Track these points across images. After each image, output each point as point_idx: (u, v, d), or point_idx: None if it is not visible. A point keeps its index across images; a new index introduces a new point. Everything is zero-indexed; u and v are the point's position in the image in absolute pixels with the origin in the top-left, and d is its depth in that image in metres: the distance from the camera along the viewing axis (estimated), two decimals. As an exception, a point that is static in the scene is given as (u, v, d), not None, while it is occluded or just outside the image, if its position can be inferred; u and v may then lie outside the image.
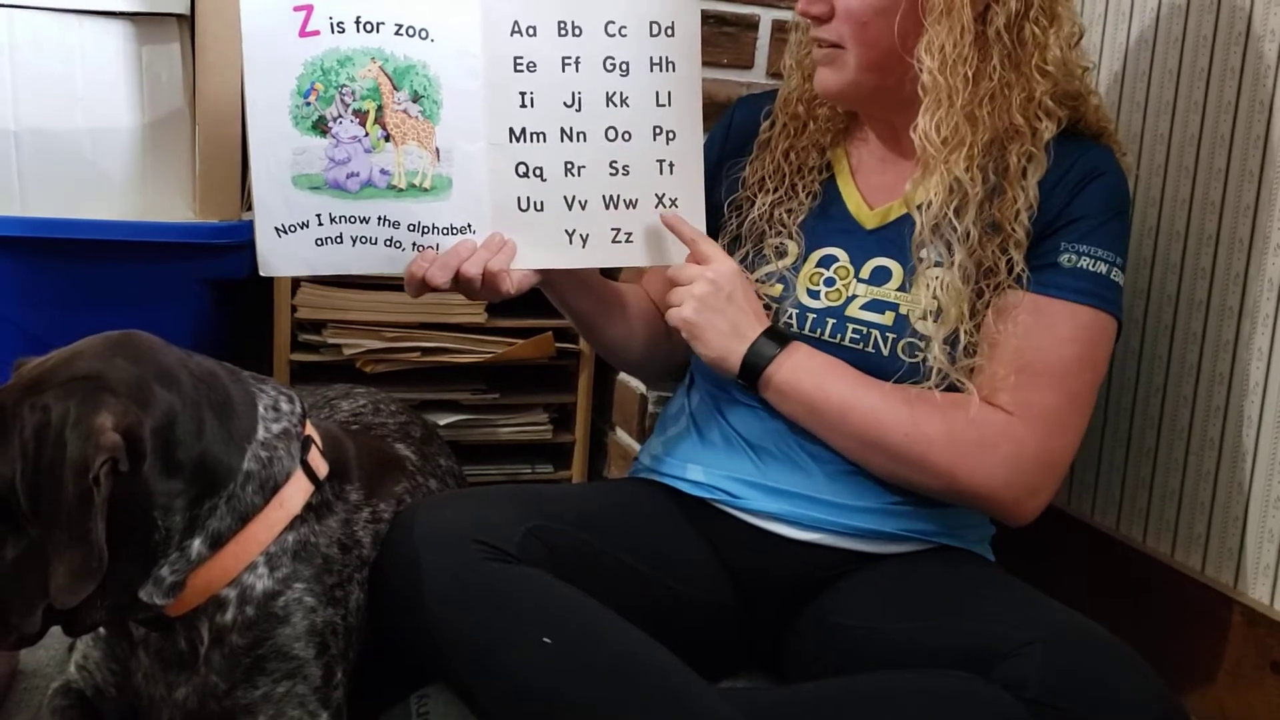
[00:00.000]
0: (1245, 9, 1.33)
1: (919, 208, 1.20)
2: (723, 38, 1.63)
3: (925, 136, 1.17)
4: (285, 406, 1.14)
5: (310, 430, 1.16)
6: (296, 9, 1.21)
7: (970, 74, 1.17)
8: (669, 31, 1.28)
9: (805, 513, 1.25)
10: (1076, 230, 1.21)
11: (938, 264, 1.23)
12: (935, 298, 1.21)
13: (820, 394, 1.22)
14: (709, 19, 1.62)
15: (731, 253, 1.34)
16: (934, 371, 1.20)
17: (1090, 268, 1.20)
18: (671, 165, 1.29)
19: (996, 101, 1.19)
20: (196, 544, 1.04)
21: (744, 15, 1.65)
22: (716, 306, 1.23)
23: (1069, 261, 1.21)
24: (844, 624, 1.21)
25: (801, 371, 1.23)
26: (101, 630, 1.13)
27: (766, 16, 1.64)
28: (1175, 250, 1.43)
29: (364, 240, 1.25)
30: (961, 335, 1.20)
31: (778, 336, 1.24)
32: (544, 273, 1.31)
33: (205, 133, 1.63)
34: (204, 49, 1.63)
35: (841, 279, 1.28)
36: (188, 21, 1.66)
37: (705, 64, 1.60)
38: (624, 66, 1.27)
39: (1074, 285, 1.20)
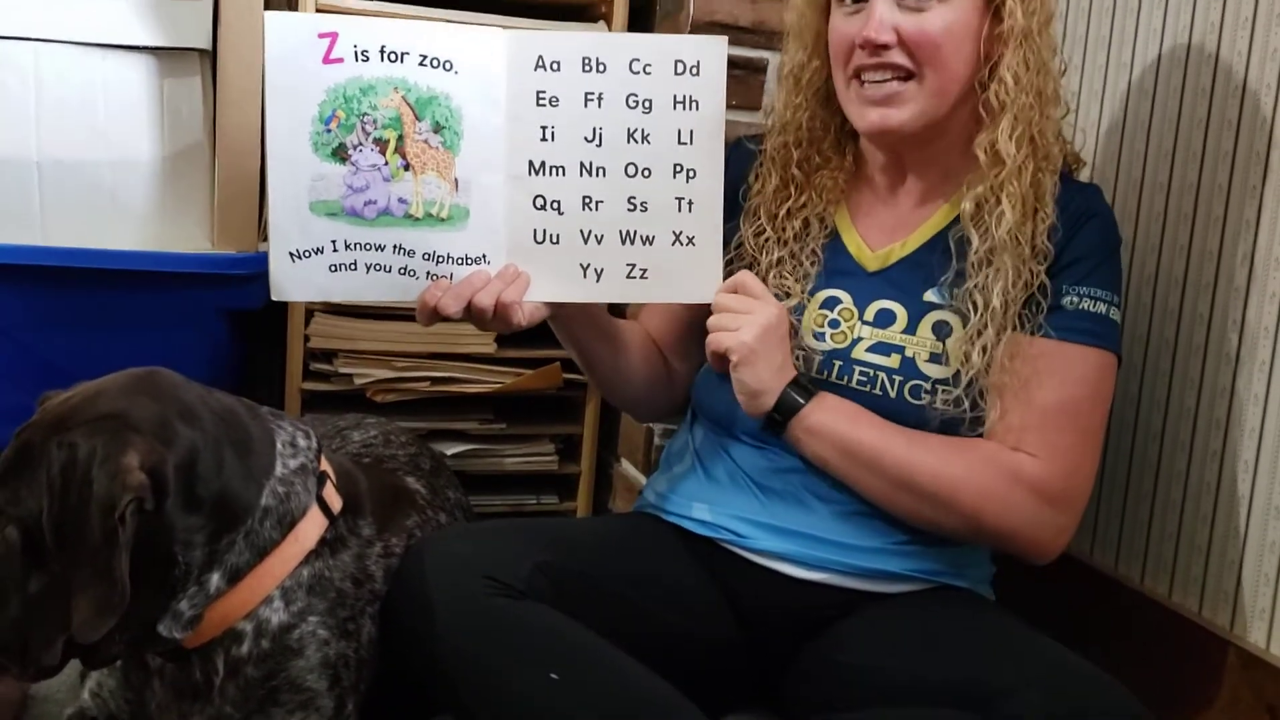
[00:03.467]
0: (1242, 62, 1.36)
1: (975, 226, 1.24)
2: (731, 80, 1.63)
3: (985, 153, 1.22)
4: (302, 442, 1.16)
5: (325, 465, 1.18)
6: (321, 36, 1.22)
7: (1036, 100, 1.22)
8: (694, 71, 1.29)
9: (810, 552, 1.27)
10: (1075, 272, 1.26)
11: (939, 306, 1.26)
12: (940, 341, 1.25)
13: (853, 436, 1.24)
14: (719, 61, 1.65)
15: None
16: (942, 414, 1.24)
17: (1091, 308, 1.24)
18: (691, 203, 1.30)
19: (1048, 124, 1.25)
20: (215, 578, 1.06)
21: (752, 59, 1.68)
22: (772, 340, 1.25)
23: (1071, 304, 1.25)
24: (846, 661, 1.22)
25: (837, 413, 1.25)
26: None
27: (774, 60, 1.67)
28: (1174, 296, 1.45)
29: (378, 268, 1.26)
30: (973, 375, 1.23)
31: (805, 383, 1.27)
32: (555, 305, 1.32)
33: (224, 165, 1.66)
34: (225, 84, 1.65)
35: (846, 320, 1.31)
36: (209, 56, 1.68)
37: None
38: (647, 104, 1.29)
39: (1078, 326, 1.24)
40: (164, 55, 1.67)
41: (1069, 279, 1.25)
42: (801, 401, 1.25)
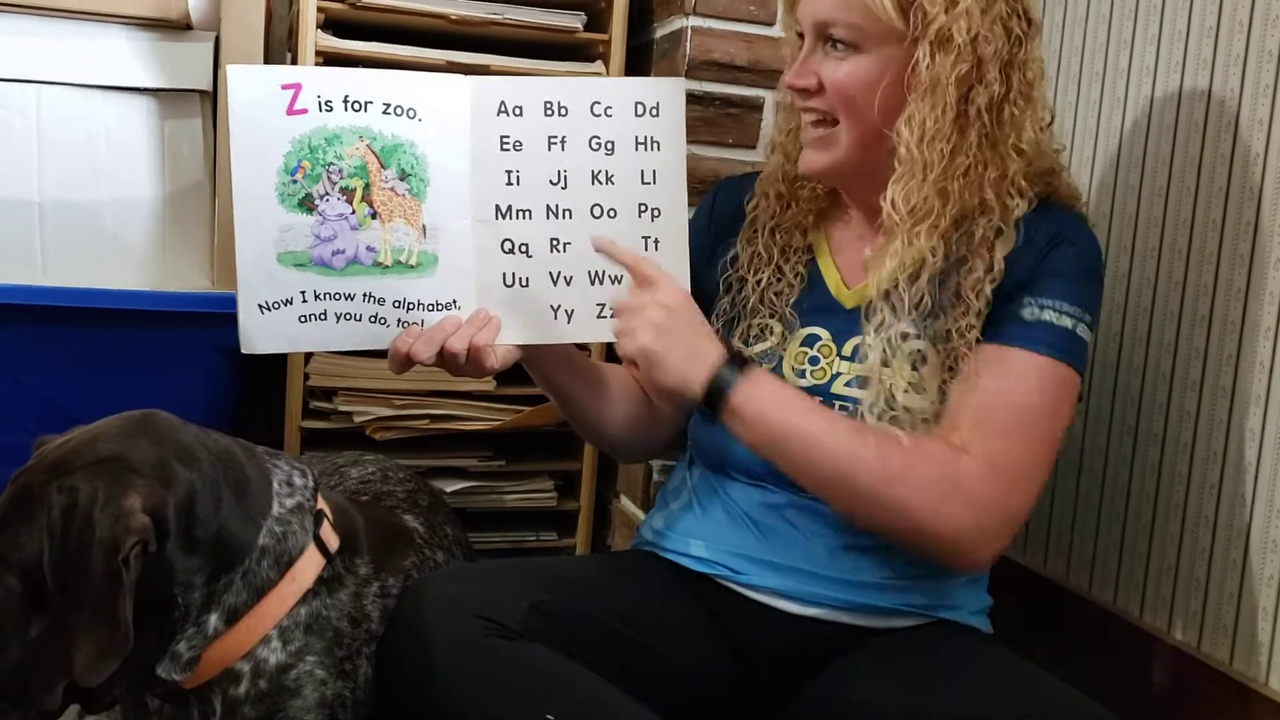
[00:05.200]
0: (1234, 98, 1.37)
1: (899, 275, 1.23)
2: (728, 119, 1.68)
3: (893, 206, 1.20)
4: (298, 481, 1.17)
5: (322, 504, 1.18)
6: (285, 87, 1.23)
7: (947, 150, 1.20)
8: (654, 112, 1.30)
9: (806, 588, 1.27)
10: (1040, 287, 1.23)
11: (913, 337, 1.25)
12: (886, 365, 1.23)
13: (786, 424, 1.20)
14: (716, 100, 1.67)
15: (729, 333, 1.36)
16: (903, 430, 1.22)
17: (1055, 321, 1.21)
18: (656, 241, 1.31)
19: (970, 178, 1.21)
20: (213, 619, 1.06)
21: (749, 97, 1.69)
22: (673, 331, 1.22)
23: (1030, 315, 1.22)
24: (845, 698, 1.22)
25: (767, 399, 1.21)
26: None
27: (771, 99, 1.69)
28: (1169, 330, 1.46)
29: (348, 317, 1.27)
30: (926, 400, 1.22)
31: (740, 361, 1.24)
32: (528, 348, 1.33)
33: (224, 205, 1.67)
34: (225, 124, 1.66)
35: (825, 357, 1.31)
36: (210, 98, 1.70)
37: (713, 143, 1.67)
38: (609, 145, 1.29)
39: (1034, 336, 1.21)
40: (165, 97, 1.69)
41: (1031, 292, 1.22)
42: (728, 385, 1.21)
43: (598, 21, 1.83)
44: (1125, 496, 1.52)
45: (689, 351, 1.22)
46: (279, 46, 1.92)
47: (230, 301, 1.64)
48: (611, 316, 1.30)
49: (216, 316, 1.66)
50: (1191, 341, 1.43)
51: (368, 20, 1.75)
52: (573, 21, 1.80)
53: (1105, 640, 1.51)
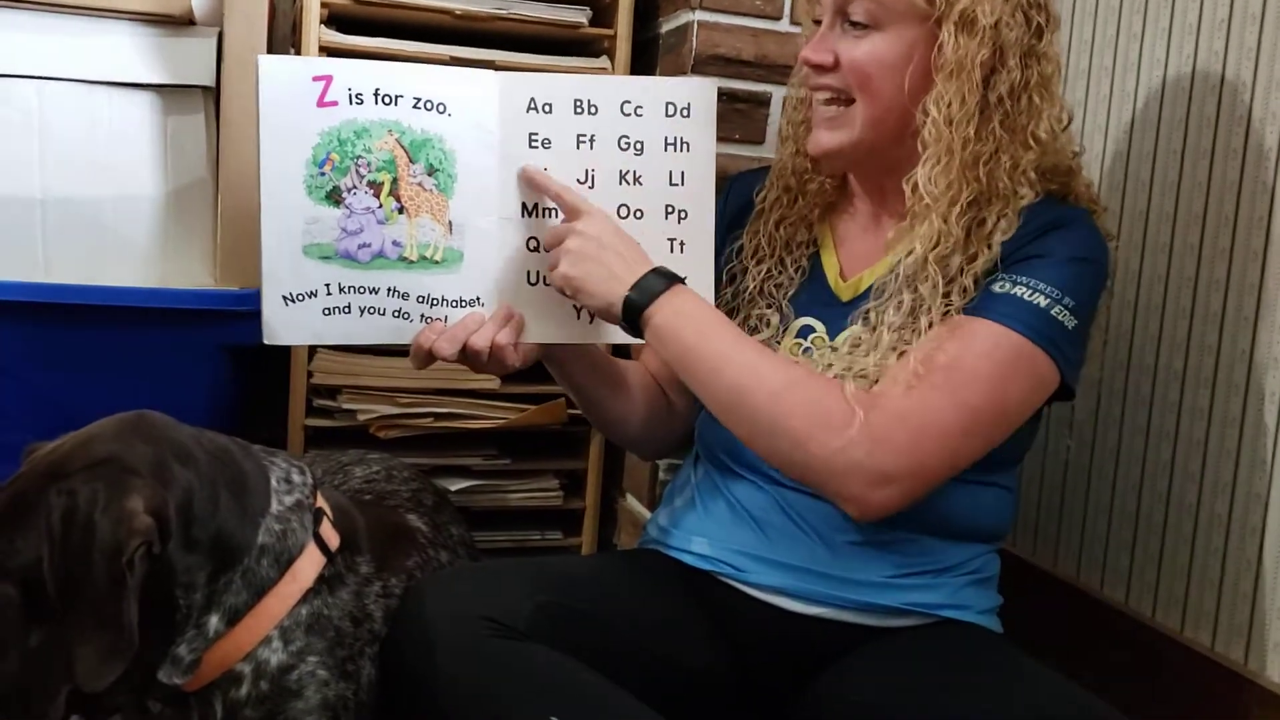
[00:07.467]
0: (1247, 92, 1.35)
1: (904, 257, 1.22)
2: (735, 114, 1.66)
3: (924, 187, 1.19)
4: (297, 479, 1.15)
5: (321, 502, 1.17)
6: (315, 79, 1.22)
7: (971, 134, 1.19)
8: (685, 113, 1.30)
9: (809, 587, 1.25)
10: (1020, 267, 1.20)
11: (897, 312, 1.23)
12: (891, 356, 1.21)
13: (698, 341, 1.20)
14: (722, 96, 1.65)
15: None
16: None
17: (1024, 296, 1.18)
18: (682, 244, 1.31)
19: (988, 163, 1.21)
20: (214, 620, 1.05)
21: (756, 92, 1.68)
22: (590, 255, 1.23)
23: (1000, 288, 1.19)
24: (850, 699, 1.20)
25: (683, 316, 1.21)
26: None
27: (778, 94, 1.67)
28: (1181, 327, 1.44)
29: (372, 311, 1.26)
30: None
31: (664, 277, 1.23)
32: (550, 346, 1.32)
33: (227, 201, 1.66)
34: (229, 120, 1.66)
35: (819, 349, 1.30)
36: (213, 94, 1.69)
37: (719, 139, 1.63)
38: (638, 145, 1.30)
39: (1001, 309, 1.18)
40: (168, 92, 1.68)
41: (1008, 270, 1.20)
42: (646, 301, 1.21)
43: (603, 16, 1.81)
44: (1137, 495, 1.50)
45: (606, 273, 1.23)
46: (282, 42, 1.91)
47: (233, 299, 1.65)
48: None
49: (219, 314, 1.64)
50: (1204, 338, 1.41)
51: (371, 15, 1.74)
52: (578, 16, 1.79)
53: (1117, 640, 1.49)
